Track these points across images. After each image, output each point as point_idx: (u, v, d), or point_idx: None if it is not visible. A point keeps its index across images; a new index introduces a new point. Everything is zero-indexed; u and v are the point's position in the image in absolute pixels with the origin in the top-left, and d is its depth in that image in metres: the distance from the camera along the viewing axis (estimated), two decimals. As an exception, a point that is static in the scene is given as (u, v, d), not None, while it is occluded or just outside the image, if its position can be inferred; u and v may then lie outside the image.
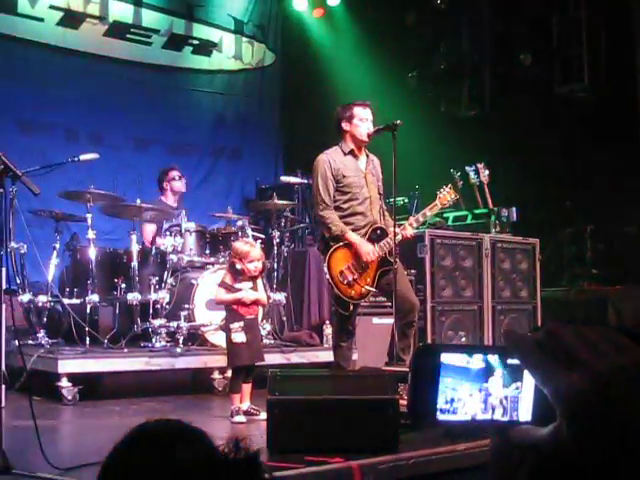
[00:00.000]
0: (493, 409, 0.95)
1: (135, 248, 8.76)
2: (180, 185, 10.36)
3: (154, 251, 9.13)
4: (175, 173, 10.36)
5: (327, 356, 8.25)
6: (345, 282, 7.16)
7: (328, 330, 8.99)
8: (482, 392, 0.95)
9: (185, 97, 13.09)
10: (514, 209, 10.80)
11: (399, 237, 7.23)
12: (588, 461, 0.82)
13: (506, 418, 0.96)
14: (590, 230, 12.39)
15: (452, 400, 0.93)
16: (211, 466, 0.97)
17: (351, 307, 7.25)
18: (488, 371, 0.95)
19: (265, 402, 5.27)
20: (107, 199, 8.93)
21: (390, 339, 7.45)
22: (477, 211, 10.91)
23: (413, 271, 9.25)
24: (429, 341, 9.33)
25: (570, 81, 12.54)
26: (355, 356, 8.08)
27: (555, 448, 0.85)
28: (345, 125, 7.42)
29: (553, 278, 11.61)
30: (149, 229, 9.84)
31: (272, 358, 8.16)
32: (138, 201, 8.82)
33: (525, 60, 13.00)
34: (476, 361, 0.95)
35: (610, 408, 0.81)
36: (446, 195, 7.59)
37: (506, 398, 0.96)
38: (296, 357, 8.79)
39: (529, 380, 0.95)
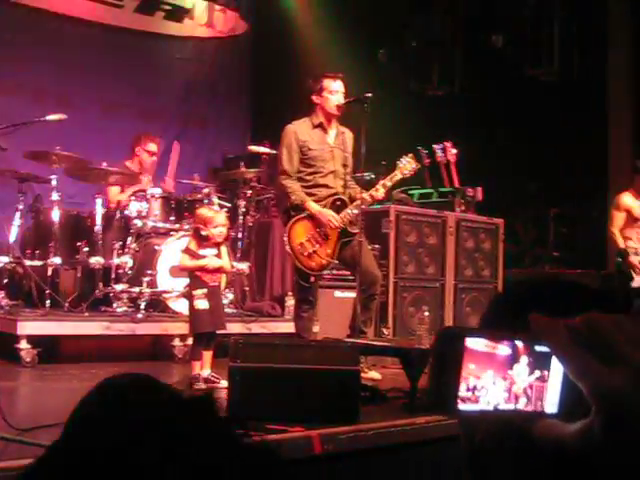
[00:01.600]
0: (517, 398, 0.91)
1: (99, 212, 8.70)
2: (149, 161, 10.16)
3: (118, 215, 9.06)
4: (152, 147, 10.16)
5: (288, 327, 8.24)
6: (305, 254, 7.16)
7: (290, 301, 8.98)
8: (506, 380, 0.90)
9: (155, 63, 12.97)
10: (479, 189, 10.85)
11: (369, 201, 7.24)
12: (618, 464, 0.79)
13: (530, 408, 0.91)
14: (554, 213, 12.47)
15: (474, 388, 0.89)
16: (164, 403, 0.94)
17: (312, 279, 7.26)
18: (513, 358, 0.90)
19: (226, 370, 5.26)
20: (73, 161, 8.81)
21: (352, 312, 7.46)
22: (443, 189, 10.94)
23: (377, 246, 9.27)
24: (391, 316, 9.38)
25: (541, 64, 12.57)
26: (316, 329, 8.09)
27: (582, 447, 0.81)
28: (315, 97, 7.39)
29: (515, 259, 11.68)
30: (114, 192, 9.74)
31: (233, 327, 8.12)
32: (104, 164, 8.75)
33: (497, 41, 13.01)
34: (502, 347, 0.90)
35: None
36: (406, 164, 7.55)
37: (531, 387, 0.91)
38: (257, 327, 8.78)
39: (556, 370, 0.90)
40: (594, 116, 11.98)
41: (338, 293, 8.99)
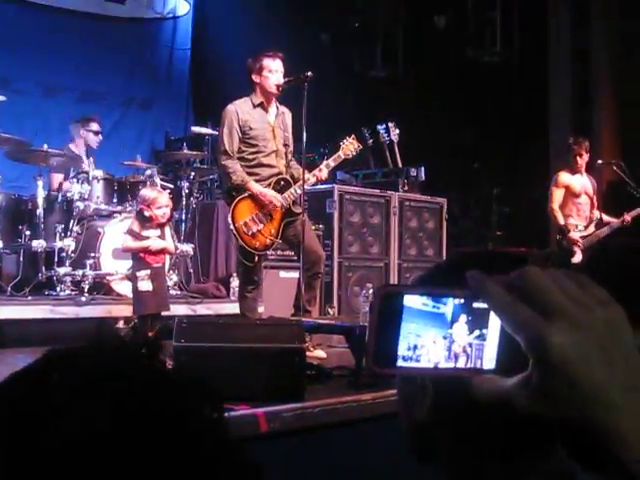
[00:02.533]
0: (457, 357, 0.89)
1: (41, 195, 8.59)
2: (95, 140, 10.10)
3: (60, 198, 8.96)
4: (95, 126, 10.09)
5: (234, 308, 8.22)
6: (249, 233, 7.15)
7: (235, 282, 8.96)
8: (446, 339, 0.89)
9: (97, 44, 12.80)
10: (422, 169, 10.92)
11: (312, 180, 7.26)
12: (555, 416, 0.80)
13: (470, 366, 0.90)
14: (496, 193, 12.60)
15: (415, 347, 0.88)
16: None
17: (255, 258, 7.24)
18: (453, 316, 0.89)
19: (170, 351, 5.25)
20: (13, 143, 8.70)
21: (296, 291, 7.48)
22: (386, 169, 10.99)
23: (321, 226, 9.30)
24: (335, 296, 9.41)
25: (482, 46, 12.67)
26: (261, 309, 8.09)
27: (522, 398, 0.81)
28: (255, 77, 7.36)
29: (459, 238, 11.78)
30: (56, 176, 9.64)
31: (178, 309, 8.09)
32: (45, 146, 8.65)
33: (439, 23, 13.09)
34: (442, 305, 0.89)
35: (591, 363, 0.78)
36: (349, 145, 7.59)
37: (470, 345, 0.90)
38: (202, 309, 8.75)
39: (494, 326, 0.89)
40: (535, 97, 12.12)
41: (283, 273, 9.01)
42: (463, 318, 0.89)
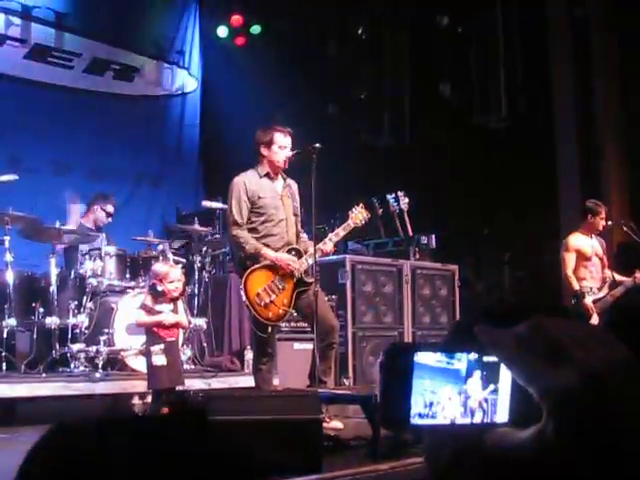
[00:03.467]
0: (472, 412, 0.90)
1: (54, 271, 8.63)
2: (105, 222, 10.21)
3: (73, 275, 9.01)
4: (110, 208, 10.21)
5: (248, 381, 8.19)
6: (262, 304, 7.14)
7: (249, 355, 8.94)
8: (461, 395, 0.89)
9: (106, 122, 12.95)
10: (433, 236, 10.93)
11: (319, 254, 7.27)
12: (574, 463, 0.78)
13: (486, 421, 0.90)
14: (507, 257, 12.60)
15: (431, 404, 0.88)
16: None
17: (269, 329, 7.22)
18: (468, 372, 0.89)
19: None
20: (26, 222, 8.78)
21: (311, 362, 7.44)
22: (397, 238, 11.01)
23: (334, 296, 9.29)
24: (350, 366, 9.37)
25: (488, 111, 12.76)
26: (276, 381, 8.05)
27: (538, 451, 0.80)
28: (263, 150, 7.41)
29: (472, 304, 11.74)
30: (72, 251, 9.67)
31: (193, 383, 8.07)
32: (57, 224, 8.71)
33: (444, 90, 13.20)
34: (455, 361, 0.89)
35: (603, 405, 0.77)
36: (357, 214, 7.62)
37: (486, 400, 0.90)
38: (217, 382, 8.71)
39: (505, 380, 0.90)
40: (543, 161, 12.17)
41: (297, 345, 8.98)
42: (477, 373, 0.90)
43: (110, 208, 10.21)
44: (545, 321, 0.84)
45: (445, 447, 1.03)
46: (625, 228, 10.28)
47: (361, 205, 7.73)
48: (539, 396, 0.81)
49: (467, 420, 0.90)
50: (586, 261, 9.81)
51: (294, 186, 7.65)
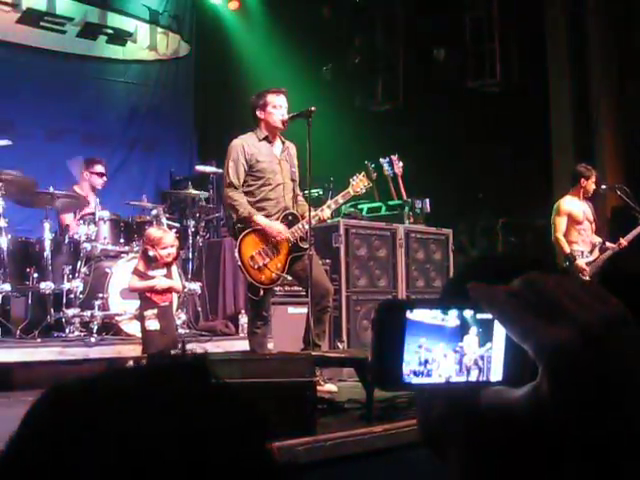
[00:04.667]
0: (468, 370, 0.88)
1: (48, 237, 8.63)
2: (100, 183, 10.18)
3: (67, 240, 9.01)
4: (99, 167, 10.18)
5: (243, 345, 8.21)
6: (256, 267, 7.15)
7: (244, 319, 8.97)
8: (457, 352, 0.87)
9: (99, 87, 12.89)
10: (427, 200, 10.92)
11: (315, 220, 7.27)
12: (569, 420, 0.78)
13: (482, 379, 0.89)
14: (502, 223, 12.61)
15: (426, 361, 0.86)
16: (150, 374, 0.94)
17: (261, 292, 7.23)
18: (463, 329, 0.88)
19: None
20: (19, 184, 8.75)
21: (305, 326, 7.47)
22: (391, 202, 11.00)
23: (328, 261, 9.28)
24: (344, 330, 9.40)
25: (482, 76, 12.73)
26: (271, 345, 8.08)
27: (532, 409, 0.80)
28: (259, 113, 7.41)
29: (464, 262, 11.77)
30: (63, 217, 9.68)
31: (187, 347, 8.11)
32: (51, 188, 8.69)
33: (438, 55, 13.17)
34: (451, 318, 0.87)
35: (599, 360, 0.77)
36: (358, 182, 7.63)
37: (482, 358, 0.88)
38: (212, 346, 8.73)
39: (499, 337, 0.88)
40: (536, 126, 12.16)
41: (291, 309, 8.99)
42: (473, 330, 0.88)
43: (99, 168, 10.16)
44: (539, 277, 0.83)
45: (435, 404, 1.03)
46: (619, 192, 10.29)
47: (363, 173, 7.74)
48: (534, 352, 0.80)
49: (462, 378, 0.88)
50: (577, 225, 9.85)
51: (292, 150, 7.64)
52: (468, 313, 0.88)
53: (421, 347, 0.86)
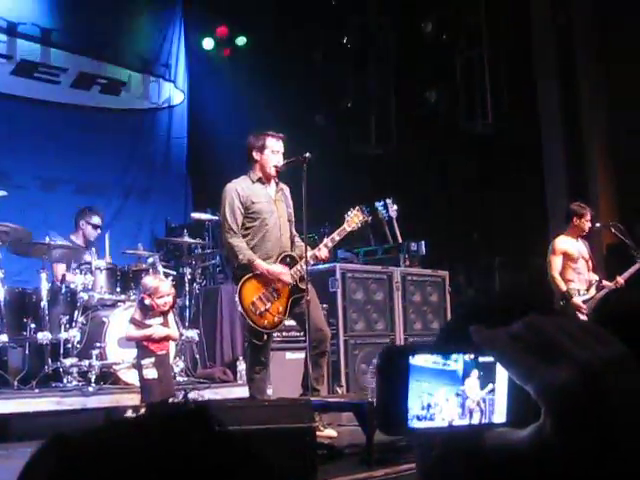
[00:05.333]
0: (471, 413, 0.90)
1: (45, 287, 8.62)
2: (93, 234, 10.16)
3: (64, 289, 9.00)
4: (97, 220, 10.17)
5: (242, 392, 8.20)
6: (257, 312, 7.14)
7: (242, 366, 8.94)
8: (459, 396, 0.89)
9: (93, 136, 12.93)
10: (423, 243, 10.95)
11: (313, 260, 7.28)
12: (573, 460, 0.79)
13: (484, 422, 0.90)
14: (498, 262, 12.63)
15: (429, 406, 0.87)
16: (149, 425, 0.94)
17: (265, 337, 7.23)
18: (465, 372, 0.89)
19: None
20: (15, 235, 8.73)
21: (303, 371, 7.45)
22: (386, 246, 11.03)
23: (325, 305, 9.27)
24: (343, 374, 9.38)
25: (474, 117, 12.81)
26: (270, 391, 8.05)
27: (537, 450, 0.81)
28: (256, 154, 7.41)
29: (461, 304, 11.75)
30: (59, 267, 9.69)
31: (189, 396, 8.08)
32: (47, 239, 8.70)
33: (430, 97, 13.25)
34: (452, 362, 0.89)
35: (600, 400, 0.78)
36: (353, 217, 7.61)
37: (484, 400, 0.90)
38: (210, 394, 8.70)
39: (502, 379, 0.90)
40: (529, 164, 12.22)
41: (289, 354, 8.98)
42: (475, 373, 0.90)
43: (96, 220, 10.17)
44: (539, 319, 0.85)
45: (434, 444, 1.03)
46: (613, 230, 10.32)
47: (357, 208, 7.72)
48: (536, 394, 0.81)
49: (465, 421, 0.89)
50: (573, 263, 9.85)
51: (287, 191, 7.65)
52: (469, 357, 0.89)
53: (423, 392, 0.87)
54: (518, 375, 0.84)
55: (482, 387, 0.90)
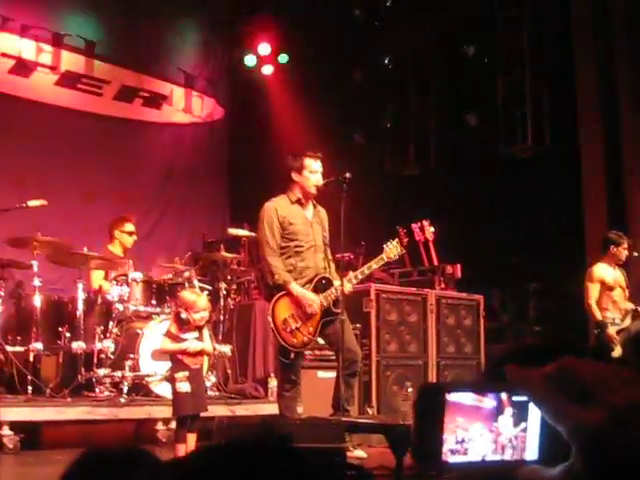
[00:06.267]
0: (503, 449, 0.92)
1: (81, 297, 8.67)
2: (130, 242, 10.26)
3: (100, 300, 9.05)
4: (130, 227, 10.26)
5: (272, 409, 8.19)
6: (288, 330, 7.15)
7: (273, 383, 8.96)
8: (492, 432, 0.92)
9: (134, 149, 13.05)
10: (458, 266, 10.92)
11: (348, 288, 7.27)
12: None
13: (516, 458, 0.93)
14: (533, 288, 12.55)
15: (463, 440, 0.91)
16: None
17: (292, 355, 7.22)
18: (498, 410, 0.92)
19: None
20: (54, 247, 8.83)
21: (334, 390, 7.44)
22: (422, 268, 11.01)
23: (358, 325, 9.27)
24: (374, 395, 9.35)
25: (514, 141, 12.75)
26: (300, 409, 8.05)
27: None
28: (295, 175, 7.42)
29: (497, 334, 11.70)
30: (96, 277, 9.77)
31: (217, 410, 8.09)
32: (85, 249, 8.76)
33: (470, 120, 13.22)
34: (487, 400, 0.92)
35: (629, 443, 0.79)
36: (392, 249, 7.61)
37: (516, 438, 0.93)
38: (241, 409, 8.73)
39: (534, 418, 0.93)
40: (568, 190, 12.14)
41: (321, 373, 8.96)
42: (508, 411, 0.92)
43: (129, 227, 10.25)
44: (574, 362, 0.86)
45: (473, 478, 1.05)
46: (652, 259, 10.25)
47: (396, 240, 7.70)
48: (568, 434, 0.82)
49: (498, 457, 0.92)
50: (609, 291, 9.79)
51: (323, 214, 7.66)
52: (504, 395, 0.93)
53: (458, 427, 0.90)
54: (550, 415, 0.85)
55: (515, 425, 0.93)
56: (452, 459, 0.91)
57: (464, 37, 13.28)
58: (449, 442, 0.90)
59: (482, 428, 0.92)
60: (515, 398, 0.92)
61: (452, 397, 0.90)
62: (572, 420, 0.82)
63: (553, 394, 0.85)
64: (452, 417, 0.90)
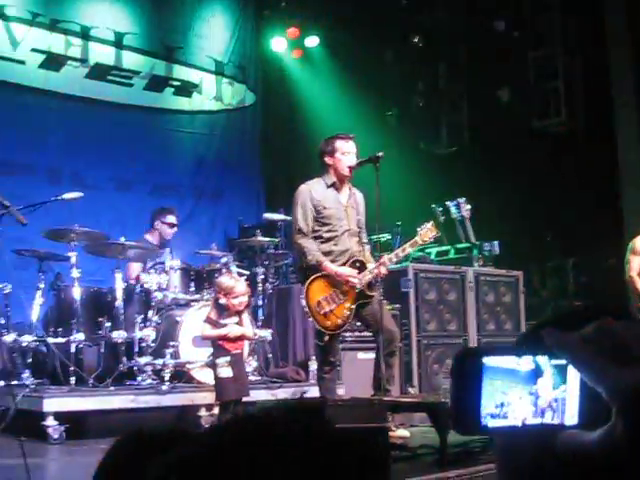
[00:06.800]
0: (543, 412, 0.92)
1: (119, 286, 8.72)
2: (170, 233, 10.33)
3: (138, 289, 9.09)
4: (172, 219, 10.34)
5: (314, 391, 8.21)
6: (322, 312, 7.12)
7: (314, 366, 8.95)
8: (532, 395, 0.91)
9: (166, 138, 13.09)
10: (496, 242, 10.87)
11: (372, 275, 7.22)
12: None
13: (557, 421, 0.92)
14: (572, 263, 12.47)
15: (502, 404, 0.90)
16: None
17: (326, 337, 7.20)
18: (537, 372, 0.92)
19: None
20: (91, 237, 8.90)
21: (374, 370, 7.43)
22: (459, 245, 10.97)
23: (397, 305, 9.27)
24: (415, 375, 9.34)
25: (547, 116, 12.66)
26: (342, 390, 8.06)
27: (608, 451, 0.82)
28: (328, 159, 7.40)
29: (537, 311, 11.64)
30: (134, 267, 9.83)
31: (258, 394, 8.13)
32: (122, 239, 8.81)
33: (502, 95, 13.14)
34: (525, 362, 0.91)
35: None
36: (427, 232, 7.51)
37: (556, 400, 0.92)
38: (283, 393, 8.75)
39: (573, 381, 0.92)
40: (605, 163, 12.02)
41: (361, 354, 8.98)
42: (548, 373, 0.92)
43: (171, 219, 10.33)
44: (611, 322, 0.86)
45: (523, 451, 1.03)
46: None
47: (431, 222, 7.63)
48: (608, 395, 0.82)
49: (538, 420, 0.91)
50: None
51: (359, 197, 7.63)
52: (542, 358, 0.92)
53: (497, 390, 0.90)
54: (589, 376, 0.85)
55: (555, 388, 0.92)
56: (492, 423, 0.90)
57: (493, 12, 13.18)
58: (488, 406, 0.90)
59: (521, 391, 0.91)
60: (554, 361, 0.91)
61: (489, 361, 0.90)
62: (612, 380, 0.82)
63: (592, 355, 0.85)
64: (490, 380, 0.90)
